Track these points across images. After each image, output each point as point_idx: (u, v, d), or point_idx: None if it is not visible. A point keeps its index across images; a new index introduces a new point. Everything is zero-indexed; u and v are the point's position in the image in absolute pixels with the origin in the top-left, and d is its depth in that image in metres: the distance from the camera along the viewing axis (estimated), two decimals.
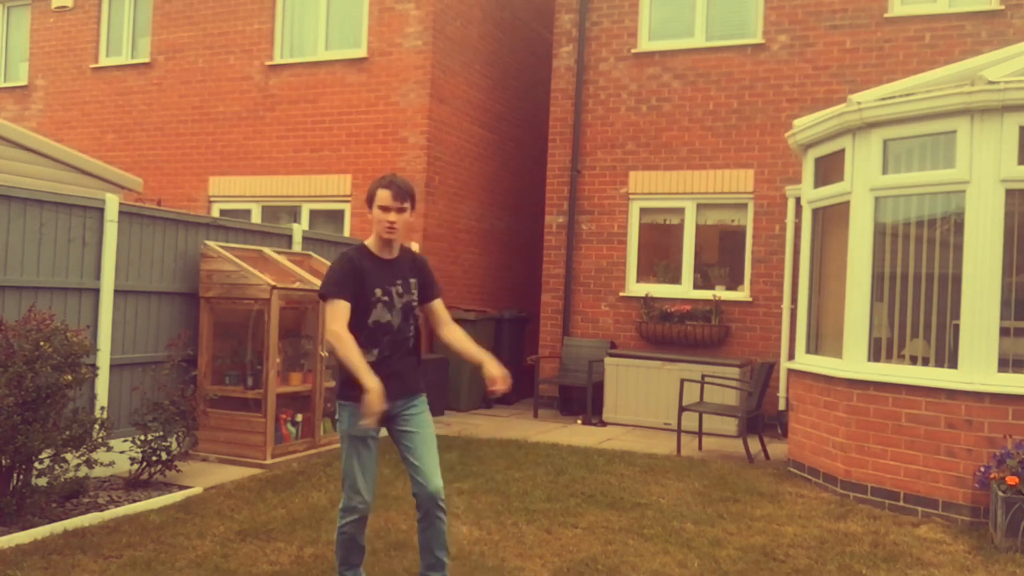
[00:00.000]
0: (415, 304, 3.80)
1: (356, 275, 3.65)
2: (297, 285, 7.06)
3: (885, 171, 6.34)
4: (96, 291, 6.23)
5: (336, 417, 3.82)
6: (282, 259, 7.46)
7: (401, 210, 3.67)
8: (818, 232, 7.35)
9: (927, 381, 5.91)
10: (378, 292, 3.67)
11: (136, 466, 5.88)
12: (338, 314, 3.57)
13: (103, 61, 12.74)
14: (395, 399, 3.66)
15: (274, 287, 6.69)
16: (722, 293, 9.91)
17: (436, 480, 3.65)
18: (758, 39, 9.91)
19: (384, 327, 3.69)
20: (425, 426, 3.76)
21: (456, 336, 3.88)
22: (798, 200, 8.57)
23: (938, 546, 5.14)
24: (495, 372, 3.71)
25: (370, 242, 3.77)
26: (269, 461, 6.62)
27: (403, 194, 3.67)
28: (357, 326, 3.61)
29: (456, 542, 4.86)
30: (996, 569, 4.75)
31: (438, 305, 3.90)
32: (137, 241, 6.57)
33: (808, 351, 7.26)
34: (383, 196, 3.66)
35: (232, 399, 6.85)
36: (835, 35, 9.56)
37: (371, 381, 3.42)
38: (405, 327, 3.76)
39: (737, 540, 5.11)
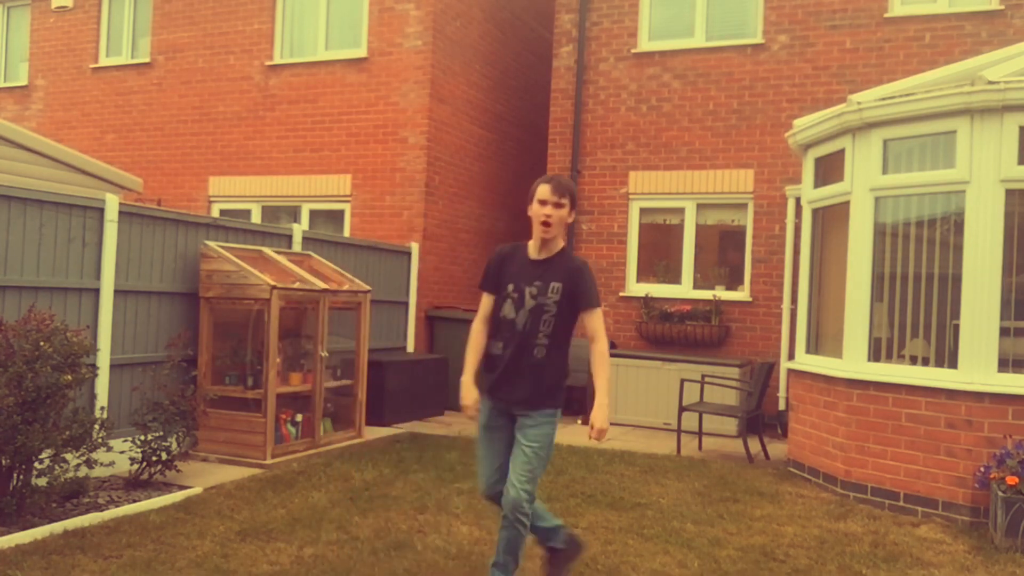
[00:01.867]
0: (549, 309, 3.66)
1: (499, 267, 3.78)
2: (297, 285, 7.06)
3: (885, 171, 6.34)
4: (96, 291, 6.23)
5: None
6: (282, 259, 7.46)
7: (559, 205, 3.65)
8: (818, 232, 7.35)
9: (927, 381, 5.91)
10: (509, 287, 3.71)
11: (136, 466, 5.87)
12: (480, 306, 3.77)
13: (103, 61, 12.74)
14: (506, 401, 3.74)
15: (274, 287, 6.69)
16: (722, 293, 9.91)
17: (515, 491, 3.63)
18: (758, 39, 9.91)
19: (507, 324, 3.71)
20: (528, 440, 3.67)
21: (592, 358, 3.71)
22: (798, 200, 8.57)
23: (938, 546, 5.14)
24: (594, 421, 3.63)
25: (531, 240, 3.79)
26: (269, 461, 6.62)
27: (562, 189, 3.66)
28: (494, 317, 3.77)
29: (456, 542, 4.86)
30: (996, 569, 4.75)
31: (586, 318, 3.71)
32: (137, 241, 6.57)
33: (808, 351, 7.26)
34: (543, 190, 3.67)
35: (232, 399, 6.84)
36: (835, 35, 9.56)
37: (464, 376, 3.75)
38: (532, 331, 3.66)
39: (737, 540, 5.11)
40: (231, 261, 6.85)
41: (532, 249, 3.77)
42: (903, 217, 6.38)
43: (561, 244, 3.78)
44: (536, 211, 3.68)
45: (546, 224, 3.66)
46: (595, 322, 3.70)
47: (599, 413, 3.59)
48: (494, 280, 3.79)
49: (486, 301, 3.82)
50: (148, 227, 6.67)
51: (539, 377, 3.70)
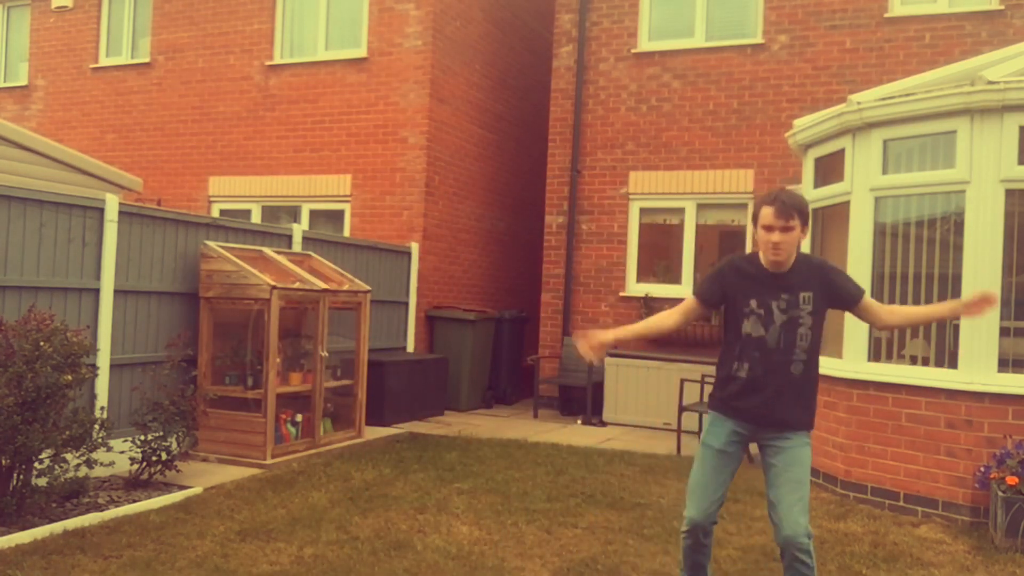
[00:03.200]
0: (804, 322, 3.38)
1: (725, 281, 3.51)
2: (297, 285, 7.06)
3: (885, 171, 6.34)
4: (96, 291, 6.23)
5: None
6: (282, 259, 7.46)
7: (787, 229, 3.30)
8: (818, 232, 7.35)
9: (927, 381, 5.91)
10: (752, 303, 3.42)
11: (136, 466, 5.88)
12: (678, 305, 3.59)
13: (103, 61, 12.74)
14: (757, 425, 3.48)
15: (274, 287, 6.69)
16: None
17: (791, 525, 3.27)
18: (758, 39, 9.91)
19: (755, 342, 3.42)
20: (794, 465, 3.37)
21: (896, 314, 3.60)
22: None
23: (938, 546, 5.14)
24: (975, 297, 3.42)
25: (762, 253, 3.49)
26: (269, 461, 6.62)
27: (788, 211, 3.30)
28: (731, 337, 3.51)
29: (456, 542, 4.86)
30: (996, 569, 4.75)
31: (867, 304, 3.49)
32: (137, 241, 6.57)
33: None
34: (766, 214, 3.33)
35: (232, 399, 6.84)
36: (835, 35, 9.56)
37: (610, 332, 3.53)
38: (788, 348, 3.39)
39: (737, 540, 5.11)
40: (231, 261, 6.85)
41: (766, 261, 3.44)
42: (903, 217, 6.38)
43: (796, 253, 3.44)
44: (763, 238, 3.35)
45: (776, 252, 3.35)
46: (873, 304, 3.52)
47: (964, 301, 3.47)
48: (719, 291, 3.51)
49: (687, 303, 3.59)
50: (148, 227, 6.67)
51: (796, 395, 3.43)
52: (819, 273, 3.45)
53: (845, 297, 3.46)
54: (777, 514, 3.33)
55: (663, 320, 3.63)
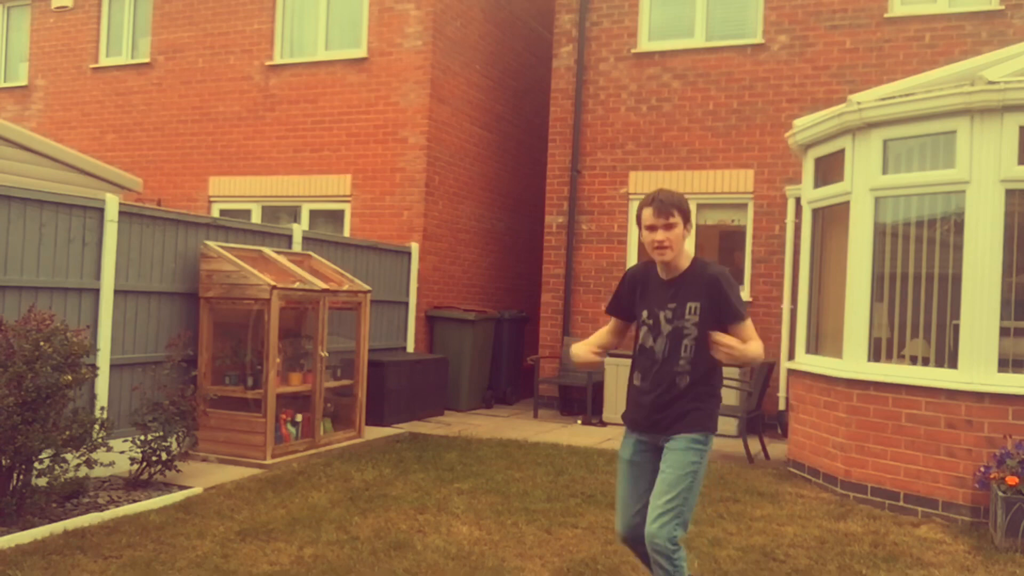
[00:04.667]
0: (688, 332, 3.32)
1: (625, 293, 3.54)
2: (297, 285, 7.06)
3: (885, 171, 6.34)
4: (96, 291, 6.23)
5: None
6: (282, 259, 7.46)
7: (669, 226, 3.31)
8: (818, 232, 7.35)
9: (927, 381, 5.91)
10: (644, 314, 3.43)
11: (136, 466, 5.87)
12: (600, 330, 3.60)
13: (103, 61, 12.73)
14: (650, 431, 3.43)
15: (274, 287, 6.69)
16: None
17: (651, 525, 3.23)
18: (758, 39, 9.91)
19: (647, 352, 3.42)
20: (672, 467, 3.30)
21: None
22: (798, 200, 8.57)
23: (938, 546, 5.14)
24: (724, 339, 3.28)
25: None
26: (269, 461, 6.62)
27: (667, 208, 3.32)
28: (636, 348, 3.50)
29: (456, 542, 4.86)
30: (996, 569, 4.75)
31: (741, 330, 3.32)
32: (137, 241, 6.57)
33: (808, 351, 7.26)
34: (646, 215, 3.36)
35: (232, 399, 6.84)
36: (835, 35, 9.56)
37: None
38: (672, 359, 3.34)
39: (737, 540, 5.11)
40: (231, 261, 6.85)
41: (659, 268, 3.45)
42: (903, 217, 6.38)
43: (689, 256, 3.43)
44: (647, 239, 3.37)
45: (661, 250, 3.36)
46: (748, 332, 3.32)
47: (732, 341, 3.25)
48: (624, 304, 3.53)
49: (608, 326, 3.62)
50: (148, 227, 6.67)
51: (683, 404, 3.37)
52: (710, 285, 3.35)
53: (725, 315, 3.33)
54: (649, 512, 3.29)
55: (606, 338, 3.61)
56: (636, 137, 10.43)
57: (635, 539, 3.44)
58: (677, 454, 3.32)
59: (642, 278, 3.51)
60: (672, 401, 3.36)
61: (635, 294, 3.51)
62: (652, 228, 3.36)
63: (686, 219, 3.38)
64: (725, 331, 3.30)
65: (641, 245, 10.38)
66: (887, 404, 6.10)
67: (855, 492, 6.24)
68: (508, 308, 11.82)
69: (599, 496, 6.05)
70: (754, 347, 3.32)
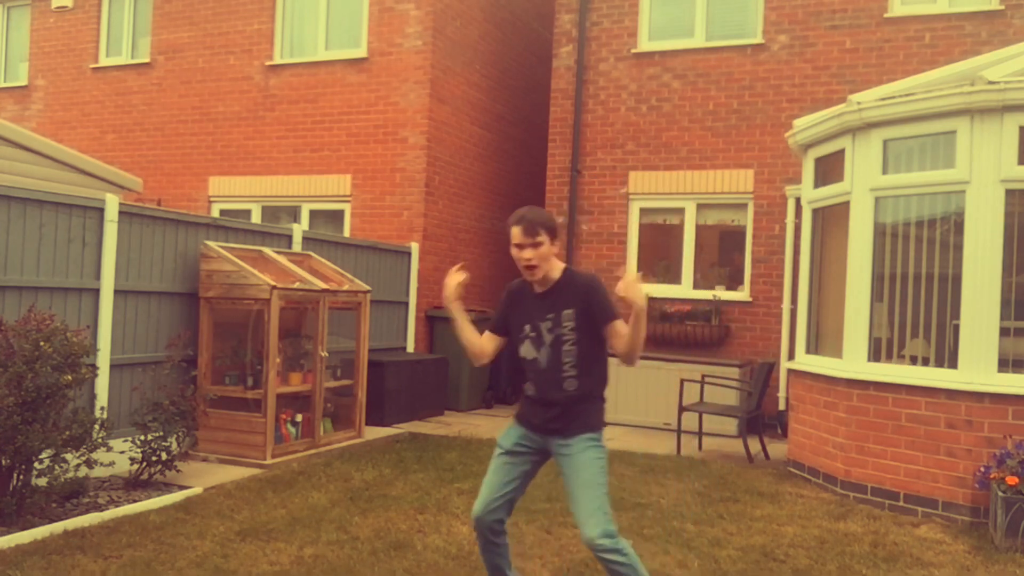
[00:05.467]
0: (568, 338, 3.44)
1: (506, 308, 3.63)
2: (297, 285, 7.06)
3: (885, 171, 6.34)
4: (96, 291, 6.23)
5: None
6: (282, 259, 7.46)
7: (536, 245, 3.39)
8: (818, 232, 7.35)
9: (927, 381, 5.91)
10: (527, 328, 3.52)
11: (136, 466, 5.87)
12: (482, 340, 3.65)
13: (103, 61, 12.74)
14: (544, 434, 3.54)
15: (274, 287, 6.69)
16: (722, 293, 9.90)
17: (589, 529, 3.30)
18: (758, 39, 9.90)
19: (530, 364, 3.53)
20: (580, 470, 3.42)
21: (622, 337, 3.45)
22: (798, 200, 8.57)
23: (938, 546, 5.14)
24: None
25: None
26: (269, 461, 6.62)
27: (534, 227, 3.40)
28: (518, 358, 3.58)
29: (456, 542, 4.86)
30: (996, 569, 4.75)
31: (615, 329, 3.43)
32: (137, 241, 6.57)
33: (808, 351, 7.26)
34: (514, 234, 3.43)
35: (232, 399, 6.84)
36: (835, 35, 9.56)
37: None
38: (556, 366, 3.47)
39: (737, 540, 5.11)
40: (231, 261, 6.85)
41: (535, 283, 3.54)
42: (903, 217, 6.38)
43: (559, 268, 3.51)
44: (516, 256, 3.45)
45: (530, 270, 3.45)
46: (619, 330, 3.44)
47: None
48: (503, 321, 3.62)
49: (493, 338, 3.66)
50: (148, 227, 6.67)
51: (573, 407, 3.51)
52: (582, 290, 3.45)
53: (598, 316, 3.43)
54: (578, 520, 3.37)
55: (484, 345, 3.66)
56: (636, 137, 10.43)
57: (487, 524, 3.56)
58: (582, 456, 3.44)
59: (519, 294, 3.61)
60: (564, 406, 3.48)
61: (515, 309, 3.60)
62: (520, 247, 3.43)
63: (552, 236, 3.46)
64: (602, 333, 3.44)
65: (640, 246, 10.46)
66: (887, 404, 6.10)
67: (855, 492, 6.24)
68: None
69: None
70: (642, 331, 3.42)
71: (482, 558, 3.70)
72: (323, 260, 8.09)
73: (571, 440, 3.48)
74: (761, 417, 8.27)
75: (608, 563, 3.31)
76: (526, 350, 3.53)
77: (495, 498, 3.54)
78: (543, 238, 3.41)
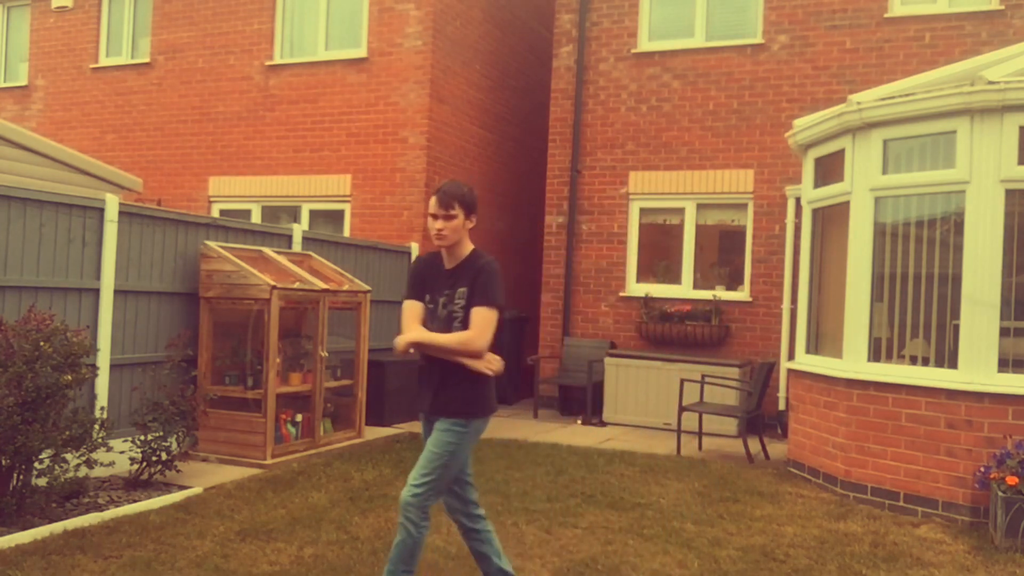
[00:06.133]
0: (457, 315, 3.56)
1: (420, 276, 3.71)
2: (297, 285, 7.06)
3: (885, 171, 6.34)
4: (96, 291, 6.23)
5: None
6: (282, 259, 7.46)
7: (449, 217, 3.53)
8: (818, 232, 7.35)
9: (927, 381, 5.91)
10: (427, 298, 3.66)
11: (136, 466, 5.87)
12: (409, 314, 3.65)
13: (103, 61, 12.74)
14: (428, 411, 3.68)
15: (274, 287, 6.69)
16: (722, 293, 9.91)
17: (408, 493, 3.52)
18: (758, 39, 9.91)
19: None
20: (432, 443, 3.61)
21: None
22: (798, 200, 8.57)
23: (938, 546, 5.14)
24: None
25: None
26: (269, 461, 6.62)
27: (449, 200, 3.54)
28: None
29: (456, 542, 4.86)
30: (996, 569, 4.75)
31: (472, 312, 3.53)
32: (137, 241, 6.57)
33: (808, 351, 7.26)
34: (431, 204, 3.59)
35: (232, 399, 6.84)
36: (835, 35, 9.56)
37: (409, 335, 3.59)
38: None
39: (737, 540, 5.11)
40: (231, 261, 6.85)
41: (443, 257, 3.70)
42: (903, 217, 6.38)
43: (469, 248, 3.65)
44: (430, 226, 3.61)
45: (439, 237, 3.58)
46: (478, 318, 3.50)
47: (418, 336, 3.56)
48: (417, 289, 3.70)
49: (408, 307, 3.69)
50: (148, 227, 6.67)
51: (453, 386, 3.58)
52: (477, 272, 3.57)
53: (474, 296, 3.55)
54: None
55: (405, 328, 3.68)
56: (636, 137, 10.43)
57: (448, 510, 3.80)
58: (440, 434, 3.58)
59: (426, 266, 3.75)
60: (444, 382, 3.59)
61: (425, 280, 3.71)
62: (434, 217, 3.58)
63: (468, 211, 3.60)
64: (470, 310, 3.56)
65: (640, 246, 10.47)
66: (887, 404, 6.10)
67: (855, 492, 6.24)
68: (508, 308, 11.82)
69: (599, 496, 6.05)
70: (456, 337, 3.52)
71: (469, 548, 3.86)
72: (323, 260, 8.09)
73: (445, 420, 3.61)
74: (761, 417, 8.27)
75: (401, 524, 3.53)
76: (428, 320, 3.66)
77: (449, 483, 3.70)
78: (457, 211, 3.55)
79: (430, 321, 3.63)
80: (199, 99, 11.90)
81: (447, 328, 3.57)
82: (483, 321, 3.51)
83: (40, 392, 4.77)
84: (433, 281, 3.66)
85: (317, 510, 5.43)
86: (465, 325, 3.53)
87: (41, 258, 5.81)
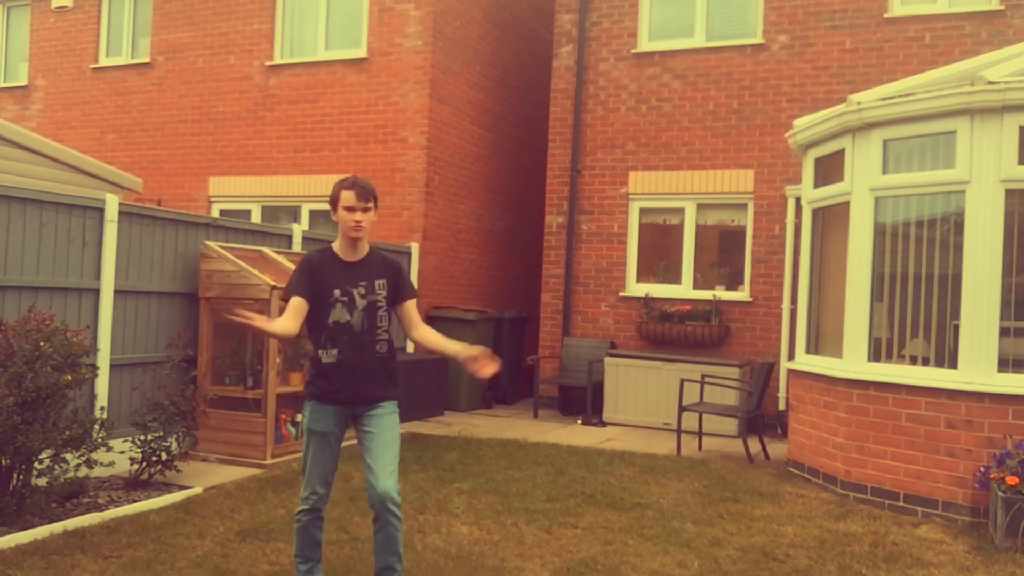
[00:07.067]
0: (381, 305, 3.78)
1: (313, 276, 3.74)
2: None
3: (885, 171, 6.34)
4: (96, 291, 6.23)
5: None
6: (282, 259, 7.46)
7: (366, 210, 3.73)
8: (818, 232, 7.36)
9: (927, 381, 5.91)
10: (337, 292, 3.73)
11: (136, 466, 5.88)
12: (288, 310, 3.69)
13: (103, 61, 12.74)
14: (353, 403, 3.76)
15: (274, 287, 6.69)
16: (722, 293, 9.91)
17: (386, 481, 3.61)
18: (758, 39, 9.91)
19: (343, 327, 3.72)
20: (386, 429, 3.73)
21: (426, 335, 3.89)
22: (798, 200, 8.57)
23: (938, 546, 5.14)
24: (473, 352, 3.73)
25: (336, 245, 3.83)
26: (269, 461, 6.62)
27: (367, 194, 3.73)
28: (318, 326, 3.75)
29: (456, 542, 4.86)
30: (996, 569, 4.75)
31: (409, 307, 3.88)
32: (137, 241, 6.57)
33: (808, 351, 7.26)
34: (347, 197, 3.71)
35: (232, 399, 6.85)
36: (835, 35, 9.56)
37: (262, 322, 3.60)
38: (371, 329, 3.76)
39: (737, 540, 5.11)
40: (231, 261, 6.85)
41: (342, 252, 3.79)
42: (903, 217, 6.38)
43: (366, 242, 3.84)
44: (345, 218, 3.71)
45: (357, 229, 3.72)
46: (414, 309, 3.92)
47: (469, 347, 3.77)
48: (309, 287, 3.70)
49: (294, 303, 3.68)
50: (148, 227, 6.67)
51: (381, 371, 3.79)
52: (391, 268, 3.85)
53: (402, 293, 3.85)
54: (374, 475, 3.64)
55: (287, 325, 3.68)
56: (636, 137, 10.43)
57: (324, 503, 3.85)
58: (387, 418, 3.76)
59: (319, 263, 3.79)
60: (375, 369, 3.77)
61: (324, 276, 3.75)
62: (351, 210, 3.71)
63: (377, 206, 3.83)
64: (402, 305, 3.86)
65: (640, 246, 10.46)
66: (887, 404, 6.11)
67: (855, 492, 6.24)
68: (508, 308, 11.83)
69: (599, 496, 6.05)
70: (447, 340, 3.86)
71: (302, 540, 3.87)
72: None
73: (383, 403, 3.78)
74: (761, 417, 8.27)
75: (389, 521, 3.64)
76: (339, 313, 3.73)
77: (331, 479, 3.84)
78: (372, 204, 3.76)
79: (346, 312, 3.71)
80: (199, 99, 11.90)
81: (372, 317, 3.74)
82: (417, 314, 3.94)
83: (40, 392, 4.77)
84: (337, 275, 3.74)
85: None
86: (389, 314, 3.80)
87: (41, 258, 5.81)
